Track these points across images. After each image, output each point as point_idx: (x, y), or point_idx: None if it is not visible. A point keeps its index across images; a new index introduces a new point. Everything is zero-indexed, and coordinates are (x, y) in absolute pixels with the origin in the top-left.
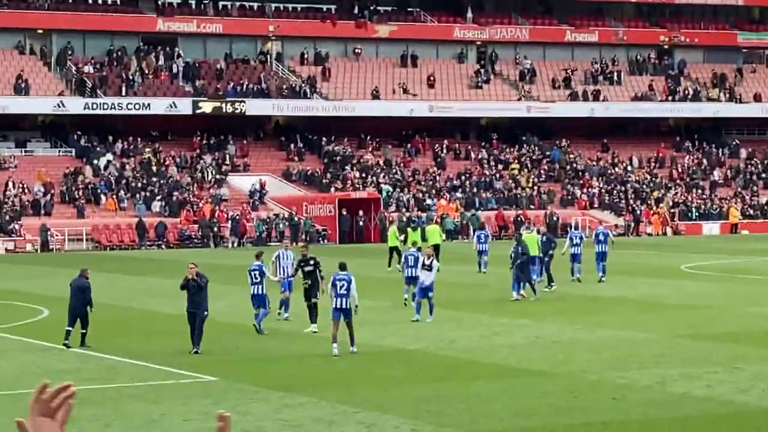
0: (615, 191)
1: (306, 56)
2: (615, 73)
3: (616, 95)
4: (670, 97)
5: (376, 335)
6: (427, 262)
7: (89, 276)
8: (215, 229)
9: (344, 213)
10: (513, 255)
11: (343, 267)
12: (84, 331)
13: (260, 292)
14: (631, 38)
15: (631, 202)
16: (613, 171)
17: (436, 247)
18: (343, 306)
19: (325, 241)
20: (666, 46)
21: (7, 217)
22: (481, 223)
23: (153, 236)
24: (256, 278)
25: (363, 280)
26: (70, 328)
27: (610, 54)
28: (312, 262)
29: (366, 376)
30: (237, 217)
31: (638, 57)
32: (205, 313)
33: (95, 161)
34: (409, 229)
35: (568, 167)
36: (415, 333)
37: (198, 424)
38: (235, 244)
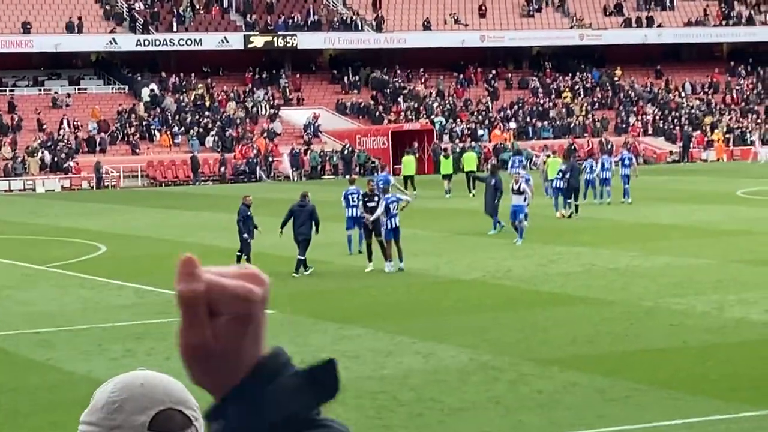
0: (669, 118)
1: None
2: None
3: (669, 21)
4: (723, 22)
5: (431, 266)
6: (516, 186)
7: (308, 197)
8: (270, 162)
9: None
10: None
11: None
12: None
13: (357, 214)
14: None
15: (686, 128)
16: (666, 97)
17: (471, 174)
18: (396, 225)
19: (379, 173)
20: None
21: (63, 155)
22: (517, 150)
23: (209, 172)
24: (353, 201)
25: (417, 212)
26: (301, 257)
27: None
28: (377, 198)
29: (422, 307)
30: (297, 152)
31: None
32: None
33: (147, 98)
34: (441, 157)
35: (621, 94)
36: (469, 263)
37: None
38: (295, 178)
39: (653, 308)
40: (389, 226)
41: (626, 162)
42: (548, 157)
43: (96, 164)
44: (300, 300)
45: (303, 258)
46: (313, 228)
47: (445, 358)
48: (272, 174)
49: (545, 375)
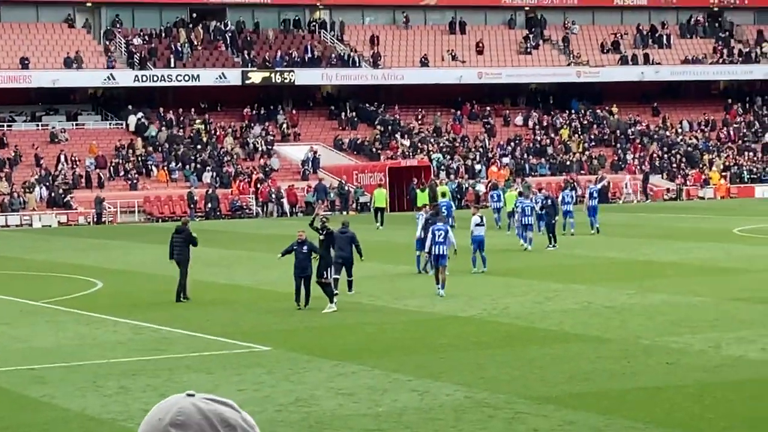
0: (666, 155)
1: (354, 25)
2: (665, 37)
3: (666, 58)
4: (720, 60)
5: (427, 302)
6: (478, 220)
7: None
8: (277, 199)
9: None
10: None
11: (439, 220)
12: (350, 278)
13: (422, 236)
14: (681, 1)
15: (683, 166)
16: (663, 135)
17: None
18: (441, 252)
19: None
20: (716, 8)
21: (60, 191)
22: (494, 184)
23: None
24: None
25: (408, 248)
26: (337, 276)
27: (660, 17)
28: (324, 233)
29: (418, 344)
30: (323, 186)
31: (688, 20)
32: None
33: (146, 133)
34: (417, 191)
35: (618, 131)
36: (467, 300)
37: (252, 393)
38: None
39: (650, 346)
40: (437, 252)
41: (594, 194)
42: (503, 191)
43: (96, 199)
44: (296, 337)
45: (350, 279)
46: (355, 252)
47: (440, 396)
48: (267, 210)
49: (541, 413)
